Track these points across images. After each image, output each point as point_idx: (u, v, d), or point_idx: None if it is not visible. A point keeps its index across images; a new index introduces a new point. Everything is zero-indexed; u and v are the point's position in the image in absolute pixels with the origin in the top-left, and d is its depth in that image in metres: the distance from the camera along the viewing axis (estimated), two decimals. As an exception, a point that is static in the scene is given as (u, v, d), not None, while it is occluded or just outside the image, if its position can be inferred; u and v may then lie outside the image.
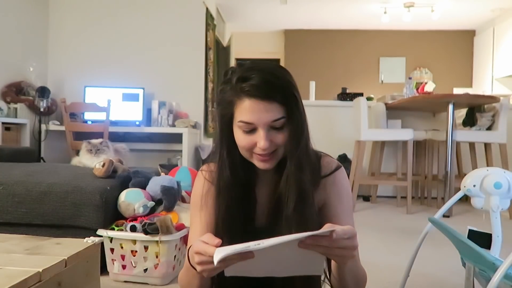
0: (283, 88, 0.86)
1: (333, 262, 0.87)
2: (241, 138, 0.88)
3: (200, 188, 1.00)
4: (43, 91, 3.87)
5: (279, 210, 0.91)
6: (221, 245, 0.72)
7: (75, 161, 2.43)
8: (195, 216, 1.00)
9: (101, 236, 1.63)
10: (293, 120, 0.87)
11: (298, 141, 0.88)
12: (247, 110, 0.85)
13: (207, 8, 4.54)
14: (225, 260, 0.69)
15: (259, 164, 0.90)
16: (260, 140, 0.86)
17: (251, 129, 0.87)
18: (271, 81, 0.85)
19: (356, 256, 0.79)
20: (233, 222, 0.92)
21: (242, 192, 0.93)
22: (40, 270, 0.98)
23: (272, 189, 0.94)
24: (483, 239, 1.31)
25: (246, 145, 0.88)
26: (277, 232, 0.75)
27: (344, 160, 4.35)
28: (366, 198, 4.44)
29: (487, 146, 3.81)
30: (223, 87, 0.89)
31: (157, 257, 1.77)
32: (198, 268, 0.75)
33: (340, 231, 0.70)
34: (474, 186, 1.33)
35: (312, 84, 5.20)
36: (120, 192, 1.96)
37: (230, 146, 0.92)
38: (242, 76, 0.86)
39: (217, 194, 0.94)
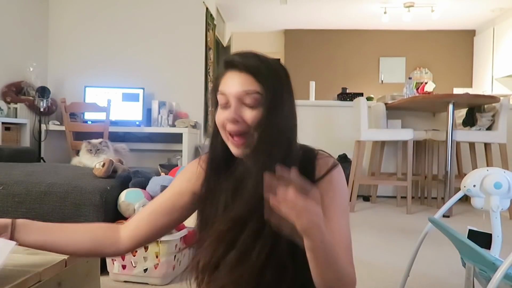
0: (266, 68, 0.85)
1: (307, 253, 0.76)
2: (218, 115, 0.87)
3: (189, 167, 0.99)
4: (43, 91, 3.87)
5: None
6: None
7: (75, 161, 2.43)
8: (171, 186, 1.00)
9: (101, 236, 1.63)
10: (270, 104, 0.83)
11: (270, 122, 0.83)
12: (224, 81, 0.86)
13: (207, 8, 4.54)
14: None
15: (232, 148, 0.87)
16: (230, 112, 0.84)
17: (226, 103, 0.85)
18: (255, 57, 0.86)
19: (333, 246, 0.73)
20: (213, 206, 0.90)
21: (226, 175, 0.91)
22: (40, 270, 0.98)
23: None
24: (483, 239, 1.31)
25: (220, 122, 0.86)
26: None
27: (344, 160, 4.35)
28: (366, 198, 4.44)
29: (487, 146, 3.81)
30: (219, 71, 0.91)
31: (157, 257, 1.78)
32: None
33: (296, 175, 0.68)
34: (474, 186, 1.33)
35: (312, 84, 5.20)
36: (120, 192, 1.96)
37: (217, 127, 0.90)
38: (232, 54, 0.88)
39: (206, 168, 0.93)
